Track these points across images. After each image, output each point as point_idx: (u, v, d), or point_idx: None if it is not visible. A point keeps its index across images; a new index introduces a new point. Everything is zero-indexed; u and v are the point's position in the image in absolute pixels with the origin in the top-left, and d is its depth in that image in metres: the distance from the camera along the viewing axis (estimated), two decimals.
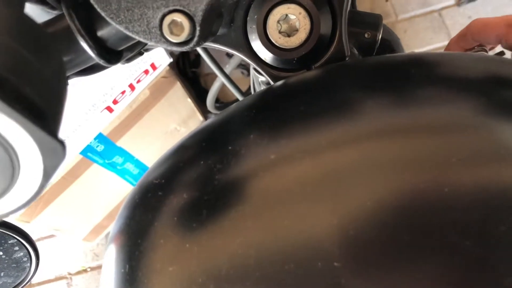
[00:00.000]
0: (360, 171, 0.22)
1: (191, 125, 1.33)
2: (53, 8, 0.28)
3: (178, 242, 0.23)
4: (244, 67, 1.44)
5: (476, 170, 0.21)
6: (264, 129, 0.25)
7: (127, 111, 1.07)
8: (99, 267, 1.36)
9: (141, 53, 0.36)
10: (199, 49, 0.51)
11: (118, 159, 1.17)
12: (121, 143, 1.14)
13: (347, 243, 0.21)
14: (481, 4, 1.44)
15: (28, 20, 0.19)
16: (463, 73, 0.26)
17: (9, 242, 0.38)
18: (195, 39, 0.25)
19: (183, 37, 0.24)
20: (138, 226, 0.26)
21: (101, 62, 0.27)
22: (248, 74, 1.47)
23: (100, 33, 0.27)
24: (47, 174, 0.17)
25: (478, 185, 0.21)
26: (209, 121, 0.30)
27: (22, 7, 0.21)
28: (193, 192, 0.24)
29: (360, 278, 0.20)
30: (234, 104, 0.30)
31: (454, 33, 1.43)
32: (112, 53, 0.28)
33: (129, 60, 0.36)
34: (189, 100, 1.26)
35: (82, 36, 0.26)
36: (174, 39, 0.24)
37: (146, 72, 1.02)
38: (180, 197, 0.25)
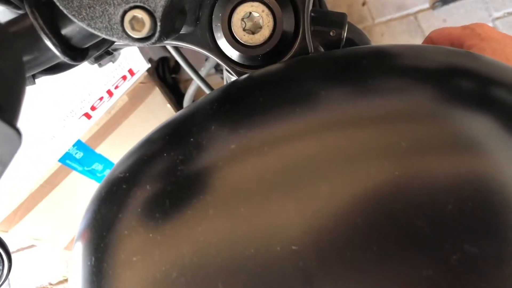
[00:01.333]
0: (315, 159, 0.23)
1: None
2: (17, 8, 0.28)
3: (141, 232, 0.24)
4: (223, 72, 1.45)
5: (424, 155, 0.22)
6: (225, 121, 0.26)
7: (106, 118, 1.07)
8: None
9: (109, 53, 0.36)
10: (172, 51, 0.52)
11: (97, 166, 1.17)
12: (100, 150, 1.14)
13: (304, 228, 0.21)
14: (455, 7, 1.47)
15: None
16: (420, 63, 0.27)
17: None
18: (156, 34, 0.25)
19: (144, 32, 0.25)
20: (104, 219, 0.26)
21: (66, 59, 0.27)
22: None
23: (64, 31, 0.27)
24: (3, 161, 0.17)
25: (426, 169, 0.22)
26: (172, 116, 0.31)
27: None
28: (156, 184, 0.25)
29: (317, 261, 0.21)
30: (197, 100, 0.31)
31: None
32: (77, 51, 0.28)
33: (97, 59, 0.37)
34: (168, 105, 1.26)
35: (46, 34, 0.26)
36: (135, 35, 0.25)
37: (124, 78, 1.02)
38: (143, 189, 0.25)
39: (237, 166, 0.24)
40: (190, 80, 1.53)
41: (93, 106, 0.98)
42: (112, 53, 0.37)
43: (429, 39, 0.51)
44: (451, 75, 0.26)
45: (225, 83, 0.67)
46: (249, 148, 0.24)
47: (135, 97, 1.11)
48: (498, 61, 0.29)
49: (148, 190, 0.25)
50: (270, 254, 0.21)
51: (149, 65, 1.04)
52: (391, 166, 0.22)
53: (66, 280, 1.34)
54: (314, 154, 0.23)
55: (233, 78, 0.47)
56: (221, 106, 0.27)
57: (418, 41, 1.46)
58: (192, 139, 0.25)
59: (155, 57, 1.47)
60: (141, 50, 1.01)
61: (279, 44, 0.33)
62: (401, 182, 0.21)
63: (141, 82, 1.09)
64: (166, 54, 1.50)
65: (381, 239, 0.21)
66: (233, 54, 0.34)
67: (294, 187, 0.22)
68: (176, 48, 0.51)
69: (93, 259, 0.25)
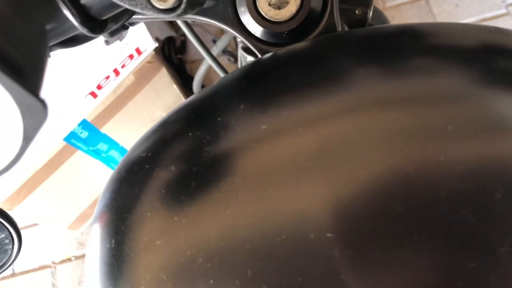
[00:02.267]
0: (353, 142, 0.22)
1: None
2: None
3: (166, 215, 0.23)
4: (231, 54, 1.43)
5: (470, 139, 0.21)
6: (254, 99, 0.24)
7: (112, 97, 1.05)
8: (84, 256, 1.35)
9: (125, 27, 0.34)
10: (186, 30, 0.50)
11: (102, 146, 1.16)
12: (105, 129, 1.12)
13: (340, 214, 0.20)
14: None
15: None
16: (457, 42, 0.26)
17: None
18: (183, 5, 0.24)
19: (170, 3, 0.23)
20: (124, 200, 0.25)
21: (84, 31, 0.26)
22: (235, 61, 1.46)
23: (83, 0, 0.25)
24: (28, 136, 0.16)
25: (473, 155, 0.21)
26: (194, 96, 0.29)
27: None
28: (181, 164, 0.24)
29: (353, 250, 0.20)
30: (221, 78, 0.29)
31: (441, 20, 1.44)
32: (96, 22, 0.27)
33: (113, 33, 0.35)
34: (175, 86, 1.24)
35: (64, 3, 0.25)
36: (160, 6, 0.24)
37: (131, 57, 1.00)
38: (167, 170, 0.24)
39: (269, 147, 0.22)
40: (196, 61, 1.51)
41: (99, 85, 0.97)
42: (128, 27, 0.35)
43: None
44: (489, 54, 0.25)
45: (238, 63, 0.65)
46: (281, 128, 0.22)
47: (142, 77, 1.09)
48: None
49: (173, 171, 0.24)
50: (302, 241, 0.20)
51: (157, 44, 1.02)
52: (436, 150, 0.20)
53: (69, 259, 1.34)
54: (351, 136, 0.22)
55: (249, 57, 0.46)
56: (249, 84, 0.26)
57: None
58: (219, 119, 0.24)
59: (162, 37, 1.44)
60: (148, 28, 0.99)
61: (306, 21, 0.31)
62: (446, 168, 0.20)
63: (148, 62, 1.07)
64: (173, 34, 1.47)
65: (422, 228, 0.19)
66: (257, 30, 0.32)
67: (330, 171, 0.21)
68: (188, 25, 0.50)
69: (113, 241, 0.24)
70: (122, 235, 0.24)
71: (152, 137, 0.27)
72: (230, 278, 0.21)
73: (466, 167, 0.20)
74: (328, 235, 0.20)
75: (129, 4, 0.24)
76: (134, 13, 0.28)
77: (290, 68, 0.26)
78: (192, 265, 0.21)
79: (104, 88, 0.98)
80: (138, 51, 1.00)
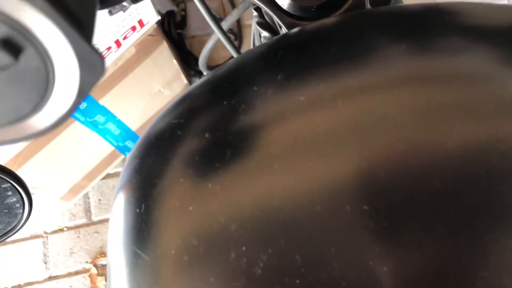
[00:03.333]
0: (389, 115, 0.22)
1: (176, 88, 1.31)
2: None
3: (199, 181, 0.23)
4: (232, 32, 1.42)
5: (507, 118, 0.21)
6: (291, 71, 0.24)
7: (112, 69, 1.04)
8: (76, 226, 1.35)
9: None
10: (196, 1, 0.49)
11: (100, 118, 1.15)
12: (104, 101, 1.11)
13: (376, 187, 0.20)
14: None
15: None
16: (488, 22, 0.26)
17: (2, 186, 0.37)
18: None
19: None
20: (155, 166, 0.25)
21: None
22: (236, 39, 1.45)
23: None
24: (83, 91, 0.16)
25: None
26: (220, 68, 0.29)
27: None
28: (216, 132, 0.24)
29: (388, 223, 0.20)
30: (247, 51, 0.29)
31: None
32: None
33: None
34: (174, 61, 1.23)
35: None
36: None
37: (134, 28, 0.98)
38: (201, 137, 0.24)
39: (307, 118, 0.22)
40: (195, 36, 1.49)
41: None
42: None
43: None
44: None
45: (251, 39, 0.64)
46: (320, 100, 0.22)
47: (143, 50, 1.08)
48: None
49: (207, 138, 0.23)
50: (338, 213, 0.20)
51: (159, 17, 1.01)
52: (477, 128, 0.21)
53: (61, 230, 1.34)
54: (388, 110, 0.22)
55: (263, 33, 0.45)
56: (284, 56, 0.26)
57: None
58: (255, 88, 0.24)
59: (163, 11, 1.42)
60: (151, 1, 0.97)
61: None
62: (486, 145, 0.20)
63: (149, 35, 1.06)
64: (173, 8, 1.45)
65: (459, 203, 0.20)
66: (285, 3, 0.32)
67: (366, 144, 0.21)
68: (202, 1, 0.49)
69: (143, 206, 0.24)
70: (153, 200, 0.24)
71: (183, 105, 0.27)
72: (262, 246, 0.21)
73: (506, 146, 0.20)
74: (364, 207, 0.20)
75: None
76: None
77: (324, 41, 0.26)
78: (225, 231, 0.21)
79: (106, 58, 0.97)
80: (141, 23, 0.99)
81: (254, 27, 0.61)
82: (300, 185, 0.21)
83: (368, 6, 0.37)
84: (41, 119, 0.16)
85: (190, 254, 0.22)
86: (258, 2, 0.33)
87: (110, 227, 0.27)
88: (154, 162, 0.25)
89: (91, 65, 0.15)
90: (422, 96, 0.22)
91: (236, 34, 1.47)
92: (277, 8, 0.33)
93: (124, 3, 0.38)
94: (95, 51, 0.15)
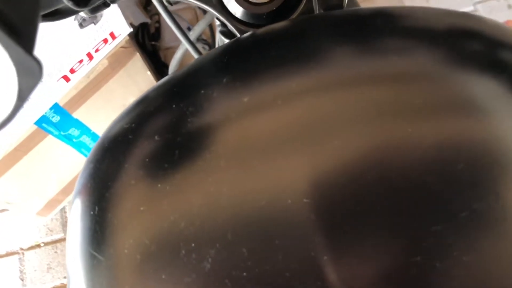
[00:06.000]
0: (328, 115, 0.23)
1: None
2: None
3: (149, 182, 0.24)
4: (205, 42, 1.43)
5: (438, 115, 0.23)
6: (237, 74, 0.25)
7: (85, 82, 1.04)
8: (53, 242, 1.33)
9: (107, 4, 0.35)
10: (163, 12, 0.50)
11: (74, 132, 1.14)
12: (77, 114, 1.11)
13: (316, 182, 0.22)
14: None
15: None
16: (428, 25, 0.27)
17: None
18: None
19: None
20: (108, 169, 0.25)
21: (70, 4, 0.26)
22: (210, 49, 1.46)
23: None
24: (22, 96, 0.17)
25: (440, 129, 0.22)
26: (174, 72, 0.30)
27: None
28: (165, 134, 0.24)
29: (328, 215, 0.21)
30: (200, 56, 0.30)
31: None
32: None
33: (95, 10, 0.35)
34: (148, 73, 1.24)
35: None
36: None
37: (105, 41, 0.99)
38: (151, 139, 0.25)
39: (250, 118, 0.24)
40: (170, 48, 1.50)
41: (72, 69, 0.96)
42: (109, 5, 0.36)
43: None
44: (457, 36, 0.27)
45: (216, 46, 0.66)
46: (262, 101, 0.24)
47: (116, 62, 1.08)
48: (501, 23, 0.29)
49: (157, 140, 0.24)
50: (281, 206, 0.22)
51: (131, 29, 1.02)
52: (404, 123, 0.22)
53: (38, 246, 1.32)
54: (327, 109, 0.23)
55: (227, 41, 0.46)
56: (231, 60, 0.27)
57: None
58: (202, 91, 0.25)
59: (136, 23, 1.43)
60: (123, 14, 0.98)
61: (285, 3, 0.32)
62: (414, 139, 0.22)
63: (122, 47, 1.07)
64: (147, 20, 1.46)
65: (392, 193, 0.21)
66: (237, 11, 0.33)
67: (307, 141, 0.22)
68: (166, 9, 0.50)
69: (96, 208, 0.25)
70: (106, 202, 0.24)
71: (135, 110, 0.28)
72: (210, 241, 0.22)
73: (432, 139, 0.22)
74: (305, 200, 0.21)
75: None
76: None
77: (270, 45, 0.27)
78: (174, 229, 0.22)
79: (77, 72, 0.97)
80: (113, 35, 0.99)
81: (219, 36, 0.62)
82: (245, 182, 0.22)
83: (321, 11, 0.39)
84: None
85: (142, 253, 0.23)
86: (214, 12, 0.34)
87: (68, 233, 0.27)
88: (107, 166, 0.26)
89: (29, 70, 0.16)
90: (356, 96, 0.23)
91: (210, 44, 1.48)
92: (231, 17, 0.34)
93: (91, 15, 0.39)
94: (32, 56, 0.16)
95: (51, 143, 1.11)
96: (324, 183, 0.21)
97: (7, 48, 0.15)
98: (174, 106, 0.25)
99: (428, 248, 0.20)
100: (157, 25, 1.49)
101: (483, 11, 1.44)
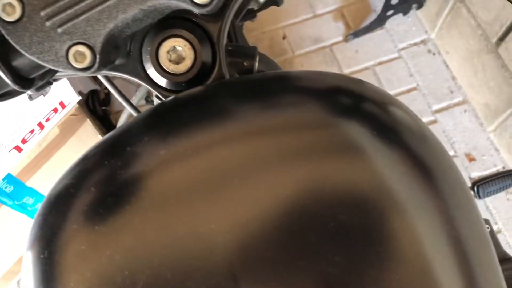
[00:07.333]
0: (232, 165, 0.29)
1: None
2: None
3: (88, 225, 0.29)
4: (153, 103, 1.49)
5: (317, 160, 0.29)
6: (156, 132, 0.32)
7: (37, 150, 1.08)
8: None
9: (50, 83, 0.41)
10: (105, 82, 0.57)
11: (28, 200, 1.16)
12: (31, 183, 1.13)
13: (227, 231, 0.27)
14: (365, 40, 1.63)
15: None
16: (316, 85, 0.35)
17: None
18: (96, 65, 0.31)
19: (86, 64, 0.31)
20: (55, 219, 0.31)
21: (16, 87, 0.32)
22: None
23: (14, 63, 0.32)
24: None
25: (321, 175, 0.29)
26: (109, 133, 0.36)
27: None
28: (99, 186, 0.30)
29: (242, 263, 0.27)
30: (133, 117, 0.36)
31: (344, 65, 1.60)
32: (26, 80, 0.33)
33: (39, 88, 0.41)
34: (99, 137, 1.29)
35: None
36: (78, 66, 0.31)
37: (55, 110, 1.04)
38: (88, 191, 0.30)
39: (165, 168, 0.30)
40: (120, 111, 1.55)
41: (24, 139, 0.99)
42: (52, 83, 0.42)
43: None
44: (336, 93, 0.34)
45: None
46: (175, 153, 0.30)
47: (66, 129, 1.13)
48: (376, 86, 0.37)
49: (93, 191, 0.30)
50: (196, 256, 0.27)
51: (80, 98, 1.07)
52: (291, 173, 0.29)
53: None
54: (230, 160, 0.29)
55: None
56: (152, 121, 0.33)
57: (334, 70, 1.59)
58: (128, 148, 0.31)
59: (85, 90, 1.49)
60: (72, 83, 1.04)
61: (200, 72, 0.40)
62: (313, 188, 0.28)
63: (72, 114, 1.12)
64: (96, 87, 1.52)
65: (291, 240, 0.27)
66: (161, 81, 0.40)
67: (213, 192, 0.28)
68: (108, 79, 0.57)
69: (46, 252, 0.30)
70: (53, 245, 0.29)
71: (75, 168, 0.33)
72: (141, 268, 0.27)
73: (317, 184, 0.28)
74: (218, 250, 0.27)
75: (53, 65, 0.31)
76: (57, 71, 0.35)
77: (185, 106, 0.34)
78: (111, 262, 0.28)
79: (29, 141, 1.01)
80: (62, 104, 1.04)
81: (156, 101, 0.68)
82: (165, 220, 0.28)
83: (236, 74, 0.46)
84: None
85: (85, 285, 0.28)
86: (141, 83, 0.41)
87: (22, 279, 0.32)
88: (53, 217, 0.31)
89: None
90: (251, 147, 0.30)
91: None
92: (156, 86, 0.41)
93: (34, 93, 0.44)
94: None
95: (5, 214, 1.12)
96: (234, 232, 0.27)
97: None
98: (106, 162, 0.31)
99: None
100: (106, 90, 1.55)
101: (407, 57, 1.59)
